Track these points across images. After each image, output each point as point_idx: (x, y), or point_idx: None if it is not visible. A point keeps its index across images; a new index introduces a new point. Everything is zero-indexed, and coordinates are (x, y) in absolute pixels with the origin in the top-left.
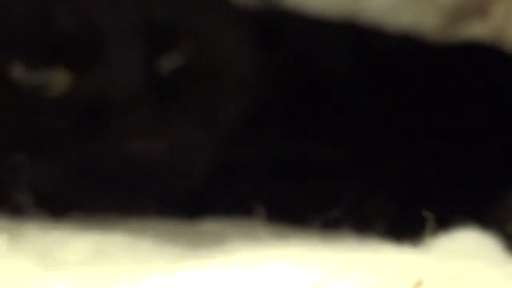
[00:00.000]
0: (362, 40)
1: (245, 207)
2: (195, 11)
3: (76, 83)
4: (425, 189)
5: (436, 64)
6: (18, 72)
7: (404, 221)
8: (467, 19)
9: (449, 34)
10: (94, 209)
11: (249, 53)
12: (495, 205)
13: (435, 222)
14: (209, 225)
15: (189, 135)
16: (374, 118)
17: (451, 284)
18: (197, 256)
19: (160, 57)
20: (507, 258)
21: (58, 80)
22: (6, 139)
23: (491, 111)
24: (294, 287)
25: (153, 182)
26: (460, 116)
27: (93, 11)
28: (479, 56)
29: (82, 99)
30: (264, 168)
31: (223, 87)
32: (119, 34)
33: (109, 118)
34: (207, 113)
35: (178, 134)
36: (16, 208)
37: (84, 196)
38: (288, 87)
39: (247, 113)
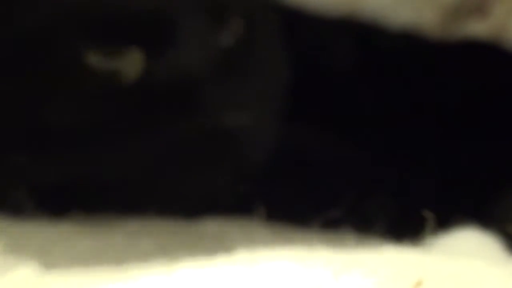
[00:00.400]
0: (363, 38)
1: (245, 207)
2: None
3: (151, 66)
4: (425, 189)
5: (435, 62)
6: (94, 59)
7: (404, 221)
8: (467, 17)
9: (449, 32)
10: (94, 209)
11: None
12: (495, 205)
13: (435, 222)
14: (209, 225)
15: (261, 107)
16: (374, 118)
17: (451, 284)
18: (197, 256)
19: (220, 34)
20: (507, 258)
21: (134, 64)
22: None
23: (491, 110)
24: (294, 287)
25: (237, 156)
26: (460, 115)
27: None
28: (479, 54)
29: (158, 81)
30: (264, 168)
31: (261, 68)
32: (188, 13)
33: (191, 95)
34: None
35: (254, 105)
36: (16, 208)
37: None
38: (288, 85)
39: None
